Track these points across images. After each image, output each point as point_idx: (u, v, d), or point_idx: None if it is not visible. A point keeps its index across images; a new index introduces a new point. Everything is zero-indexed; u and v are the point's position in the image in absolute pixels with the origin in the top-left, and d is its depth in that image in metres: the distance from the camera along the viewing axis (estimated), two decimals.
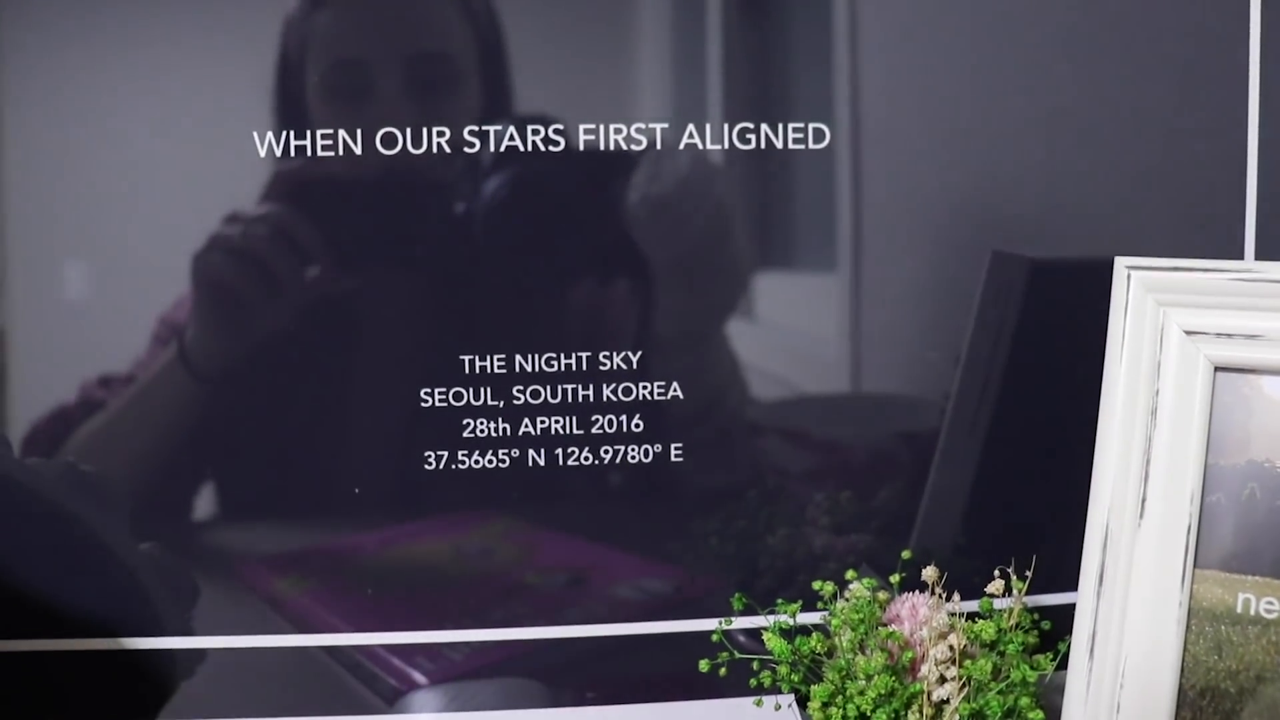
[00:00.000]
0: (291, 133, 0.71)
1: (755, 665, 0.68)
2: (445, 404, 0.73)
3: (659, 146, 0.73)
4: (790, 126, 0.74)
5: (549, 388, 0.74)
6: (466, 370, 0.73)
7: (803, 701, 0.67)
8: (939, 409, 0.77)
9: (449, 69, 0.73)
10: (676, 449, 0.75)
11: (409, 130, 0.72)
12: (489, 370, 0.73)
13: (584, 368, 0.74)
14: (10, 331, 0.72)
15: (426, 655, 0.75)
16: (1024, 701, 0.65)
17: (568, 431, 0.74)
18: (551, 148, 0.72)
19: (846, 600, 0.68)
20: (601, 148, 0.73)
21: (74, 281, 0.72)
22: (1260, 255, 0.76)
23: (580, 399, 0.74)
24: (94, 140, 0.71)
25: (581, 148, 0.72)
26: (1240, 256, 0.76)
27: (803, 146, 0.74)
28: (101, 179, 0.71)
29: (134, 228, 0.72)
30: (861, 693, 0.64)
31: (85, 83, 0.71)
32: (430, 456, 0.74)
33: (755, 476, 0.77)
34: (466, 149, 0.72)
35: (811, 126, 0.74)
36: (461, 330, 0.73)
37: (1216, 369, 0.64)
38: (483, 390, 0.74)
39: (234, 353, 0.73)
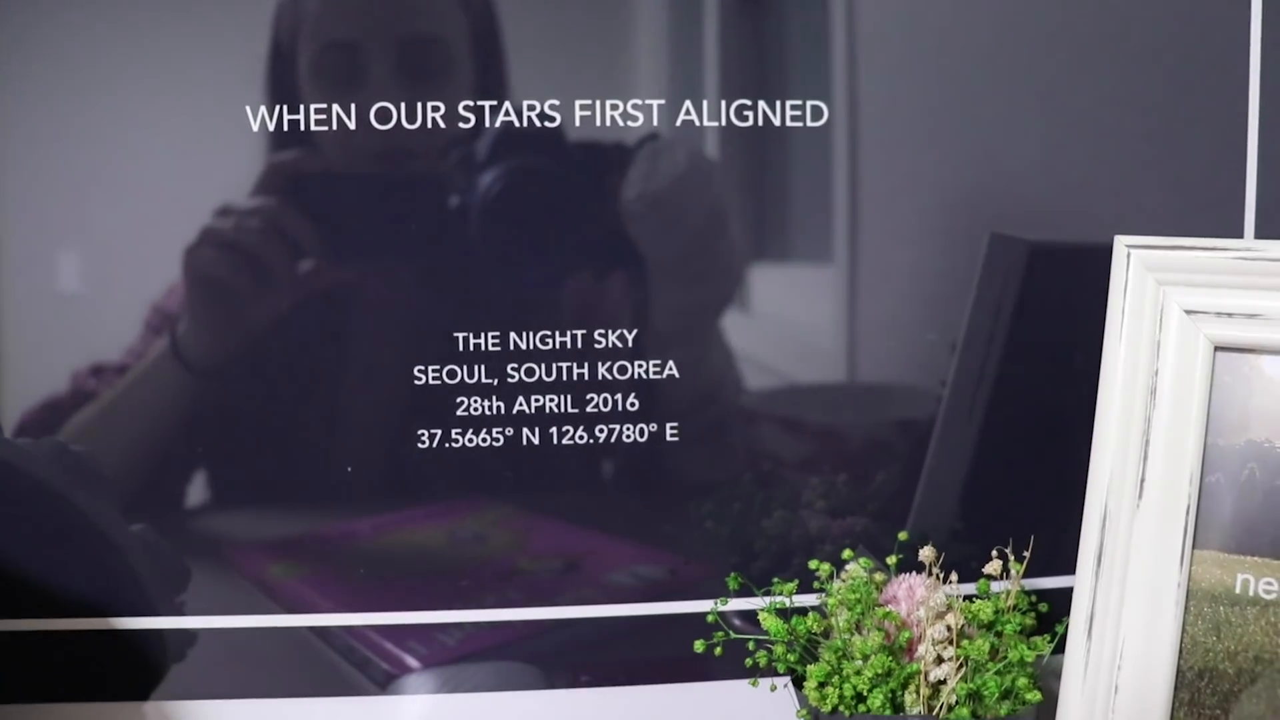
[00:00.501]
0: (284, 107, 0.71)
1: (751, 646, 0.67)
2: (439, 382, 0.73)
3: (655, 124, 0.73)
4: (788, 104, 0.73)
5: (543, 366, 0.73)
6: (460, 348, 0.73)
7: (799, 682, 0.67)
8: (935, 397, 0.77)
9: (441, 53, 0.72)
10: (672, 429, 0.75)
11: (403, 105, 0.71)
12: (483, 348, 0.73)
13: (579, 346, 0.74)
14: (1, 322, 0.72)
15: (419, 639, 0.75)
16: (1021, 682, 0.64)
17: (562, 410, 0.74)
18: (547, 124, 0.72)
19: (843, 581, 0.68)
20: (597, 125, 0.72)
21: (65, 271, 0.72)
22: (1260, 234, 0.75)
23: (575, 377, 0.74)
24: (83, 128, 0.71)
25: (577, 124, 0.72)
26: (1240, 236, 0.76)
27: (800, 124, 0.74)
28: (91, 167, 0.71)
29: (125, 216, 0.72)
30: (858, 673, 0.63)
31: (74, 71, 0.70)
32: (423, 435, 0.73)
33: (750, 464, 0.77)
34: (461, 124, 0.72)
35: (810, 104, 0.74)
36: (455, 307, 0.73)
37: (1216, 348, 0.64)
38: (476, 368, 0.73)
39: (227, 345, 0.73)
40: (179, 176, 0.71)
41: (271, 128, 0.71)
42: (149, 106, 0.71)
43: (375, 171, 0.72)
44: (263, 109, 0.71)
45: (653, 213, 0.74)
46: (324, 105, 0.71)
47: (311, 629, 0.75)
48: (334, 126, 0.71)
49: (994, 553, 0.67)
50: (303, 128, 0.71)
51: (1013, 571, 0.67)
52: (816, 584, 0.69)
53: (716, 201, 0.75)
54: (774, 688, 0.69)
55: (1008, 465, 0.77)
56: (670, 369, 0.74)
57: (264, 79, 0.71)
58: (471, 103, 0.72)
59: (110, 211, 0.71)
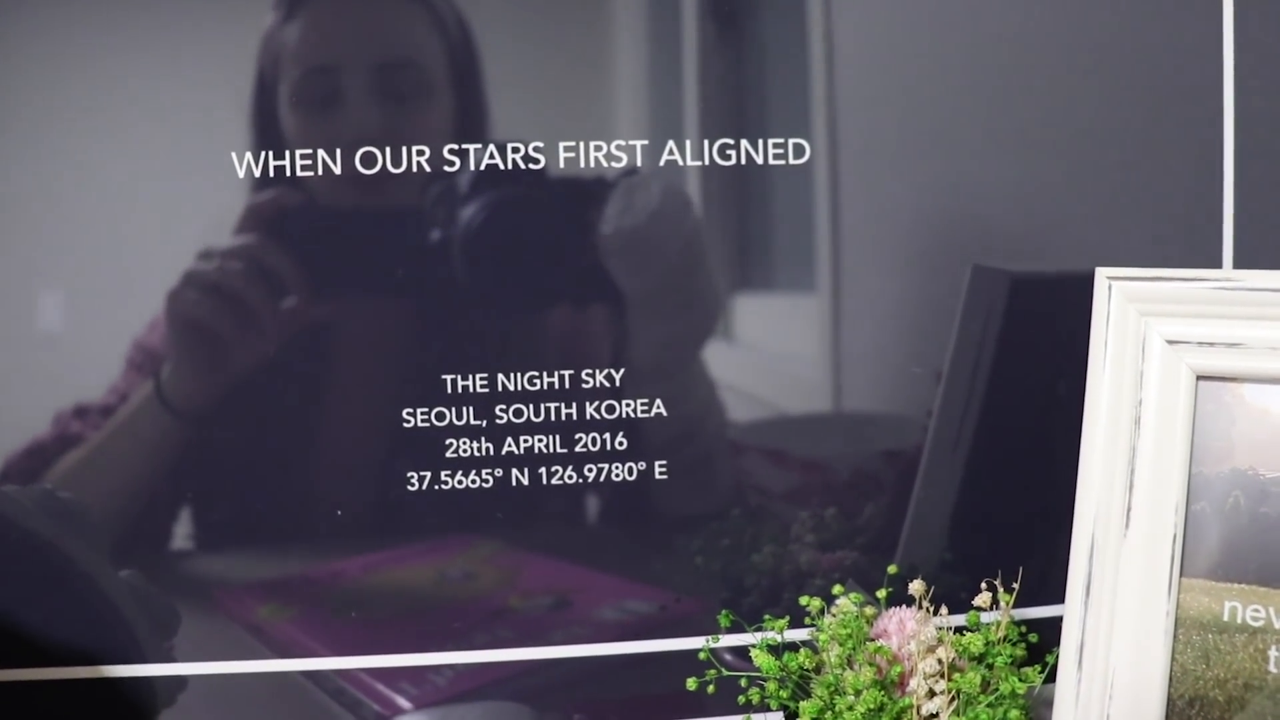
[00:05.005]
0: (270, 153, 0.71)
1: (743, 683, 0.67)
2: (428, 424, 0.73)
3: (639, 164, 0.73)
4: (770, 142, 0.74)
5: (531, 406, 0.74)
6: (448, 390, 0.73)
7: (791, 718, 0.67)
8: (921, 426, 0.77)
9: (418, 78, 0.73)
10: (660, 467, 0.75)
11: (388, 150, 0.72)
12: (471, 390, 0.73)
13: (566, 386, 0.74)
14: None
15: (410, 679, 0.75)
16: (1013, 714, 0.64)
17: (551, 450, 0.74)
18: (531, 165, 0.72)
19: (834, 616, 0.68)
20: (581, 166, 0.73)
21: (46, 310, 0.72)
22: (1238, 264, 0.76)
23: (563, 417, 0.74)
24: (66, 168, 0.71)
25: (562, 166, 0.72)
26: (1218, 266, 0.76)
27: (783, 162, 0.74)
28: (74, 207, 0.71)
29: (108, 255, 0.71)
30: (850, 708, 0.64)
31: (57, 109, 0.70)
32: (413, 477, 0.73)
33: (738, 498, 0.77)
34: (447, 168, 0.72)
35: (791, 142, 0.74)
36: (442, 350, 0.73)
37: (1199, 377, 0.64)
38: (465, 410, 0.73)
39: (213, 389, 0.73)
40: (162, 213, 0.71)
41: (258, 173, 0.71)
42: (130, 145, 0.71)
43: (356, 207, 0.72)
44: (248, 155, 0.71)
45: (630, 248, 0.74)
46: (309, 151, 0.71)
47: (302, 672, 0.75)
48: (319, 172, 0.71)
49: (983, 584, 0.67)
50: (288, 174, 0.71)
51: (1002, 603, 0.67)
52: (808, 619, 0.69)
53: (693, 235, 0.75)
54: None
55: (995, 495, 0.78)
56: (658, 407, 0.74)
57: (249, 114, 0.71)
58: (456, 146, 0.72)
59: (92, 250, 0.71)
